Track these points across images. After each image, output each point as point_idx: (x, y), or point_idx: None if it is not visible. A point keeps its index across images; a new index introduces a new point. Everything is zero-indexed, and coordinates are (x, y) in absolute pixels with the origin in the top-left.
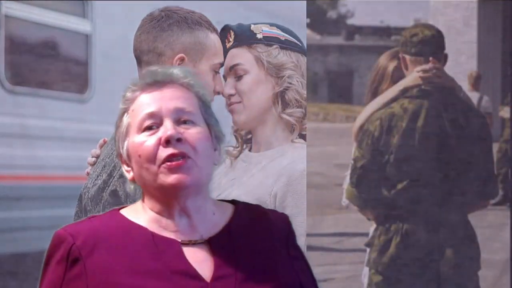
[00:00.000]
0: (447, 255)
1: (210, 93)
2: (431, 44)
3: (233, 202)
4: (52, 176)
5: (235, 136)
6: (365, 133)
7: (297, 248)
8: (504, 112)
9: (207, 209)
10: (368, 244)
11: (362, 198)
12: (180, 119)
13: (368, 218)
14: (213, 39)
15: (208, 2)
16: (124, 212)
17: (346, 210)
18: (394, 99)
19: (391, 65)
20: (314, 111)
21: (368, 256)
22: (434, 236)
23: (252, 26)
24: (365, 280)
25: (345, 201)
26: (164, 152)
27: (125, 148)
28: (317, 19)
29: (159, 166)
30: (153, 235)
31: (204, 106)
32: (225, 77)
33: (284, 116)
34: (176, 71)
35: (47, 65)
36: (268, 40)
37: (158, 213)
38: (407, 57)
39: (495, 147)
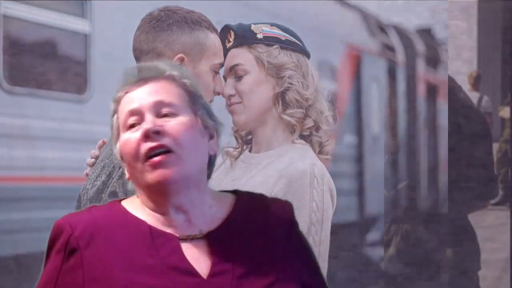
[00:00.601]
0: (447, 255)
1: (210, 93)
2: None
3: (235, 192)
4: (52, 177)
5: (235, 136)
6: None
7: (299, 237)
8: (504, 112)
9: (204, 202)
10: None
11: None
12: (160, 112)
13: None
14: (213, 39)
15: (208, 2)
16: (125, 203)
17: None
18: None
19: None
20: None
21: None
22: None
23: (253, 26)
24: None
25: None
26: (144, 147)
27: (117, 148)
28: None
29: (143, 164)
30: (151, 229)
31: (191, 96)
32: (225, 78)
33: (285, 116)
34: (160, 65)
35: (46, 65)
36: (269, 40)
37: (154, 210)
38: None
39: (495, 147)
